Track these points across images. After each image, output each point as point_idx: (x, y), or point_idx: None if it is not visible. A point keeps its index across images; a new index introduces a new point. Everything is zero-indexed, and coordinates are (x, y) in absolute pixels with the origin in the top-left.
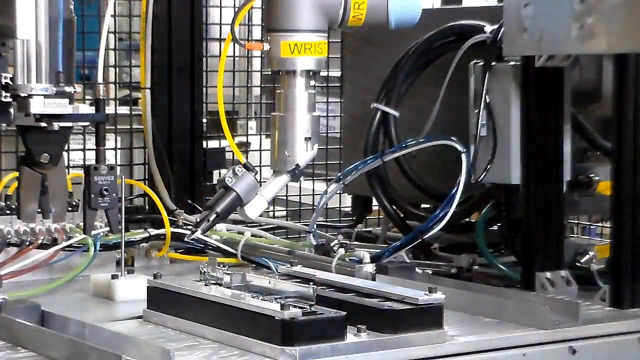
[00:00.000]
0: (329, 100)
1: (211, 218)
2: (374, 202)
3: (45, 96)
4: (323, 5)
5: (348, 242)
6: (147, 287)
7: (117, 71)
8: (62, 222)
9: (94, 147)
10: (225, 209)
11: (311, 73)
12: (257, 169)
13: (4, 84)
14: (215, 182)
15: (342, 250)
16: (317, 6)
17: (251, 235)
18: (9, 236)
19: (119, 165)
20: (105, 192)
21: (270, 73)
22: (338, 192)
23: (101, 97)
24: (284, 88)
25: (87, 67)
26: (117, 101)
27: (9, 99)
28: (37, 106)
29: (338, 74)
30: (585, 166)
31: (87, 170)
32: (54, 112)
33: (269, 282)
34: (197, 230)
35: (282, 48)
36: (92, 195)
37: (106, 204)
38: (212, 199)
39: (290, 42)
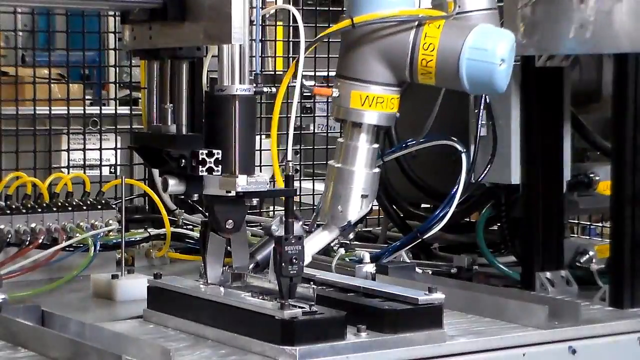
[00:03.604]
0: (329, 101)
1: (250, 266)
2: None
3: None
4: (390, 59)
5: (348, 242)
6: (147, 287)
7: (117, 71)
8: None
9: (94, 147)
10: (265, 258)
11: (377, 128)
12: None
13: (201, 159)
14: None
15: (342, 250)
16: (385, 59)
17: (251, 235)
18: (9, 236)
19: (119, 165)
20: (294, 260)
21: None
22: None
23: (290, 174)
24: (347, 138)
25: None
26: (117, 101)
27: (204, 173)
28: (242, 184)
29: None
30: (585, 166)
31: (279, 240)
32: (255, 189)
33: (269, 282)
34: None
35: (352, 98)
36: (283, 264)
37: (295, 272)
38: (255, 245)
39: (362, 94)
